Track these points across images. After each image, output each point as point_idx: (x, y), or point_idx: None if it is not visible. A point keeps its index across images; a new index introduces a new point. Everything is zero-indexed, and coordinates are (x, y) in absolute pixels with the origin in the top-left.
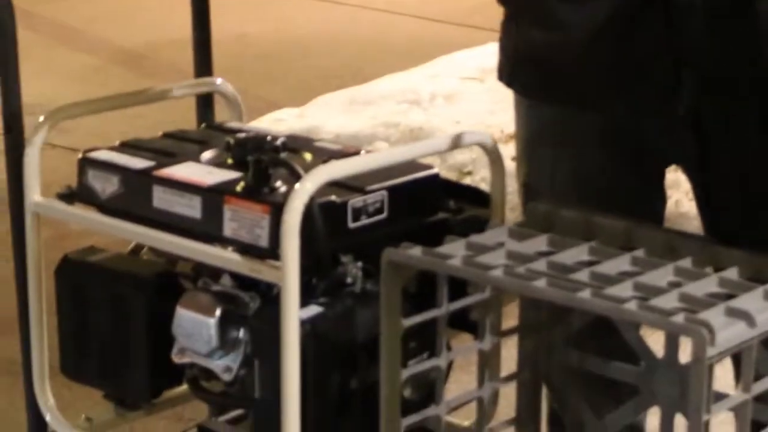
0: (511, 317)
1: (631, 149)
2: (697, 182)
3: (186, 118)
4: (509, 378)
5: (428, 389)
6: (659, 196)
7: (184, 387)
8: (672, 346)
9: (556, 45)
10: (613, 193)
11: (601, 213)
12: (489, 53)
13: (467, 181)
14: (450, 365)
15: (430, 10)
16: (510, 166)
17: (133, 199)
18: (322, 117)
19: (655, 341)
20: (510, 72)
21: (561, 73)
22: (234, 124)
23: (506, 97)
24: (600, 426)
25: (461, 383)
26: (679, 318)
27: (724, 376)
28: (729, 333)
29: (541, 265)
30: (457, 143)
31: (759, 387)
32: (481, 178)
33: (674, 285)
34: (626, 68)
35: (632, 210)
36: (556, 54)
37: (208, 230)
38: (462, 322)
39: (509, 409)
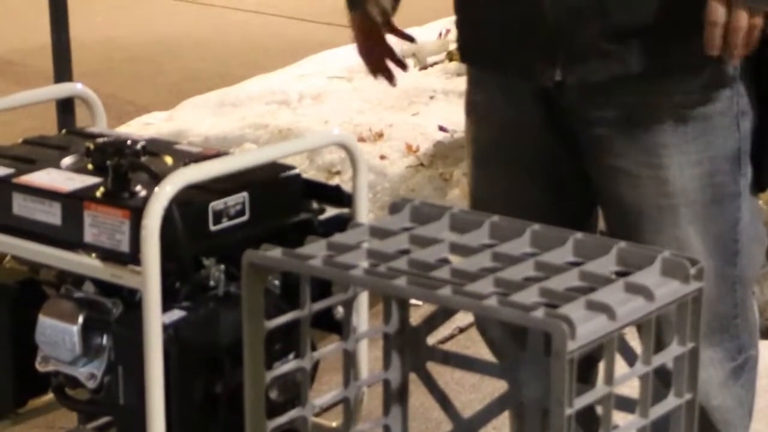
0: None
1: None
2: None
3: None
4: (376, 378)
5: (296, 391)
6: None
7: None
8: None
9: None
10: None
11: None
12: (356, 52)
13: (336, 180)
14: (316, 366)
15: (298, 10)
16: (378, 164)
17: None
18: (191, 120)
19: None
20: None
21: None
22: (95, 129)
23: (374, 96)
24: (466, 423)
25: (333, 384)
26: (539, 313)
27: None
28: (590, 327)
29: (401, 263)
30: (315, 144)
31: (623, 379)
32: (349, 178)
33: (535, 280)
34: None
35: None
36: None
37: (69, 237)
38: (329, 323)
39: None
